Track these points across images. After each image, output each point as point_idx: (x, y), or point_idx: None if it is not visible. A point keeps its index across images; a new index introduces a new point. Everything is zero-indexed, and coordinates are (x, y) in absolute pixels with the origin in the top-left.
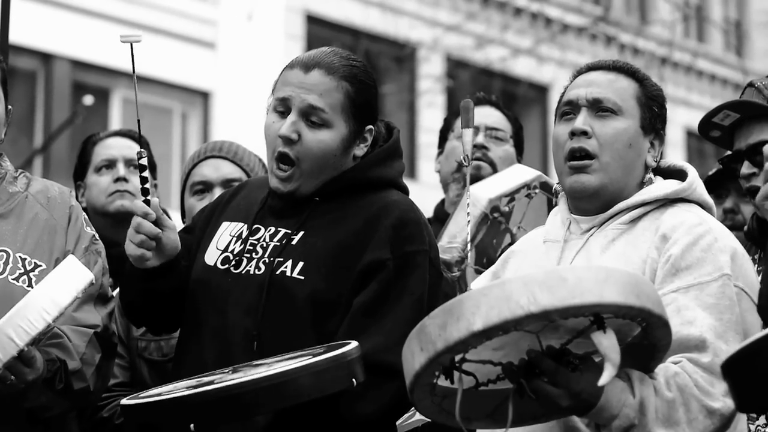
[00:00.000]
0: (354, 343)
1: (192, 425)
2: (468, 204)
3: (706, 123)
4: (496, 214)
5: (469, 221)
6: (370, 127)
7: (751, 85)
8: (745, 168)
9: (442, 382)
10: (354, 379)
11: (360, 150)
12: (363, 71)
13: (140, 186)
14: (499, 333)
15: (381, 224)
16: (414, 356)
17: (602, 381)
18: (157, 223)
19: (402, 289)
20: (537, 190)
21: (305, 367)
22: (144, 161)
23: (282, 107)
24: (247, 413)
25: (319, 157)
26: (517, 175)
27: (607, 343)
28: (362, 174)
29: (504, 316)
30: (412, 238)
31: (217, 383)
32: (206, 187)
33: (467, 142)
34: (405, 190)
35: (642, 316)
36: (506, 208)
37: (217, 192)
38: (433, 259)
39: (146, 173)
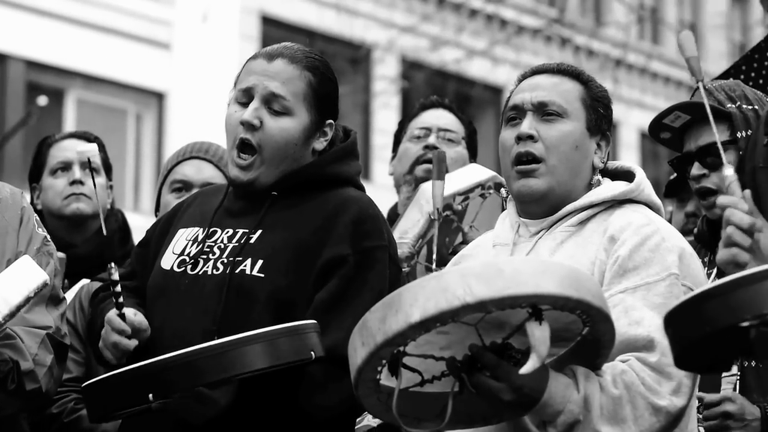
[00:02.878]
0: (312, 321)
1: (150, 395)
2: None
3: (657, 124)
4: (448, 212)
5: (437, 218)
6: (331, 121)
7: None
8: (696, 169)
9: (388, 381)
10: (313, 352)
11: (320, 144)
12: (325, 65)
13: (114, 301)
14: (437, 324)
15: (340, 220)
16: (356, 351)
17: (523, 370)
18: (132, 330)
19: (362, 284)
20: (491, 191)
21: (259, 335)
22: (115, 276)
23: (245, 98)
24: (203, 380)
25: (280, 144)
26: (473, 174)
27: (539, 334)
28: (320, 170)
29: (441, 307)
30: (371, 233)
31: (174, 353)
32: (186, 186)
33: (437, 195)
34: (362, 189)
35: (581, 308)
36: (459, 207)
37: None
38: (392, 255)
39: (119, 290)
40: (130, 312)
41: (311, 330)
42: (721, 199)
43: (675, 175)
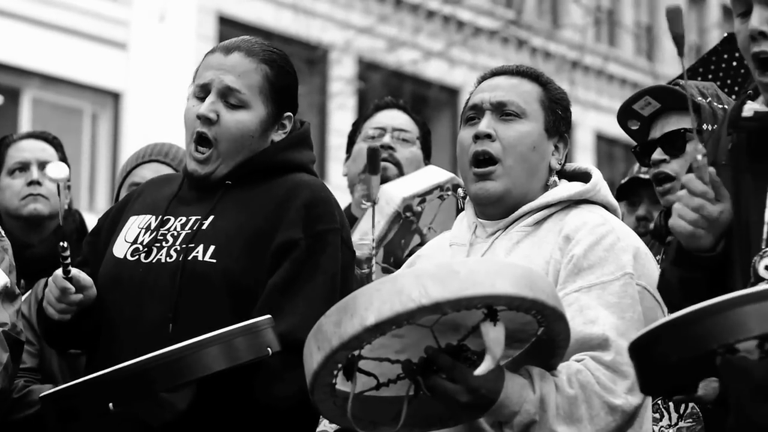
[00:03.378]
0: (267, 316)
1: (111, 404)
2: (369, 203)
3: (626, 110)
4: (408, 214)
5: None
6: (289, 114)
7: (675, 84)
8: (657, 154)
9: (343, 385)
10: (269, 348)
11: (278, 136)
12: (283, 58)
13: (62, 263)
14: (393, 327)
15: (292, 204)
16: (312, 356)
17: (478, 371)
18: (76, 287)
19: (315, 267)
20: (449, 192)
21: (214, 337)
22: (65, 249)
23: (202, 92)
24: (162, 387)
25: (237, 137)
26: (431, 176)
27: (494, 335)
28: (272, 157)
29: (396, 309)
30: (323, 217)
31: (132, 360)
32: None
33: (375, 186)
34: (315, 176)
35: (536, 309)
36: (418, 208)
37: None
38: (344, 238)
39: (67, 254)
40: (75, 271)
41: (266, 326)
42: (684, 179)
43: (627, 178)
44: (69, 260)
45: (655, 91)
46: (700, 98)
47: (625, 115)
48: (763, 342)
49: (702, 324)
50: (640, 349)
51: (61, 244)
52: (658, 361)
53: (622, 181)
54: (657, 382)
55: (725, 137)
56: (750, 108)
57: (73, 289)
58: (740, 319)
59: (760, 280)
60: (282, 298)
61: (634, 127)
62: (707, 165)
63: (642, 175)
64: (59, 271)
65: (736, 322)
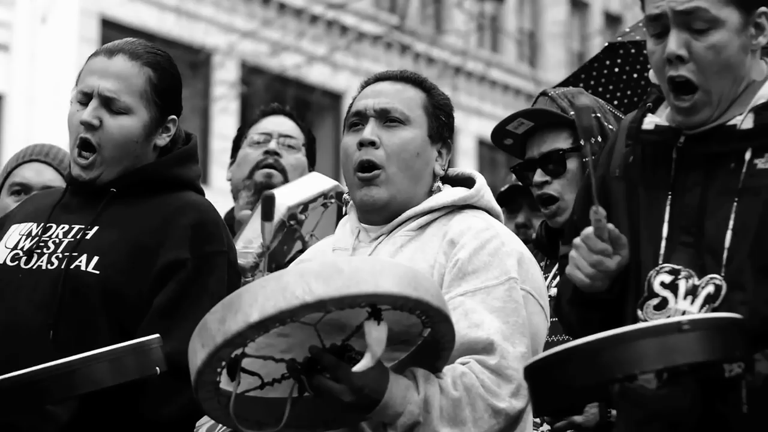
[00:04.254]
0: (156, 335)
1: None
2: (264, 248)
3: (500, 131)
4: (292, 222)
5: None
6: (173, 117)
7: (544, 94)
8: (538, 176)
9: (227, 384)
10: (158, 368)
11: (162, 140)
12: (167, 60)
13: None
14: (276, 324)
15: (179, 223)
16: (196, 353)
17: (356, 368)
18: None
19: (201, 289)
20: (333, 200)
21: (105, 353)
22: None
23: (85, 98)
24: (50, 400)
25: (120, 143)
26: (315, 183)
27: (376, 334)
28: (161, 172)
29: (280, 306)
30: (211, 238)
31: (19, 371)
32: (25, 189)
33: (268, 232)
34: (202, 193)
35: (420, 309)
36: (302, 216)
37: None
38: (231, 260)
39: None
40: None
41: (155, 345)
42: (584, 235)
43: (506, 186)
44: None
45: (527, 114)
46: (572, 112)
47: (499, 135)
48: (662, 372)
49: (610, 352)
50: (539, 371)
51: None
52: (560, 384)
53: (502, 189)
54: (551, 404)
55: (621, 149)
56: (651, 121)
57: None
58: (645, 351)
59: (654, 295)
60: (167, 319)
61: (508, 143)
62: (606, 223)
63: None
64: None
65: (642, 353)
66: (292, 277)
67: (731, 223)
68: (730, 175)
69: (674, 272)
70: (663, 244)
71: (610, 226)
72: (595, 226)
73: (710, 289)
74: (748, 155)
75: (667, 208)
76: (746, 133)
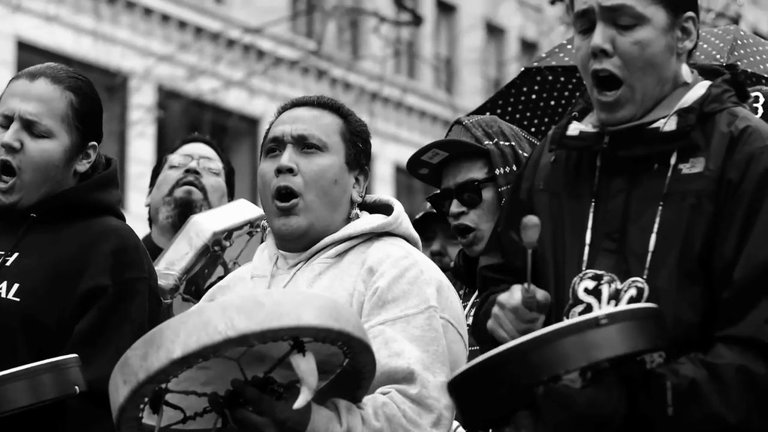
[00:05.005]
0: (74, 355)
1: None
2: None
3: (415, 161)
4: (216, 248)
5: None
6: (94, 143)
7: (458, 122)
8: (455, 207)
9: (150, 419)
10: (77, 387)
11: (82, 166)
12: (88, 85)
13: None
14: (199, 360)
15: (100, 249)
16: (118, 390)
17: (297, 404)
18: None
19: (123, 316)
20: (258, 229)
21: (20, 372)
22: None
23: (6, 121)
24: None
25: (41, 167)
26: (243, 211)
27: (305, 366)
28: (82, 197)
29: (202, 342)
30: (132, 264)
31: None
32: None
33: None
34: (122, 219)
35: (342, 340)
36: (227, 243)
37: None
38: (152, 287)
39: None
40: None
41: (73, 364)
42: (511, 305)
43: (420, 214)
44: None
45: (441, 144)
46: (487, 141)
47: (415, 165)
48: (586, 371)
49: (535, 354)
50: (465, 381)
51: None
52: (487, 392)
53: (416, 216)
54: (480, 414)
55: (546, 162)
56: (576, 128)
57: None
58: (567, 350)
59: (578, 302)
60: (88, 347)
61: (424, 173)
62: (536, 296)
63: (435, 210)
64: None
65: (564, 352)
66: (213, 311)
67: (656, 227)
68: (654, 180)
69: (597, 278)
70: (586, 250)
71: (539, 294)
72: (525, 299)
73: (632, 292)
74: (673, 160)
75: (591, 215)
76: (668, 135)
